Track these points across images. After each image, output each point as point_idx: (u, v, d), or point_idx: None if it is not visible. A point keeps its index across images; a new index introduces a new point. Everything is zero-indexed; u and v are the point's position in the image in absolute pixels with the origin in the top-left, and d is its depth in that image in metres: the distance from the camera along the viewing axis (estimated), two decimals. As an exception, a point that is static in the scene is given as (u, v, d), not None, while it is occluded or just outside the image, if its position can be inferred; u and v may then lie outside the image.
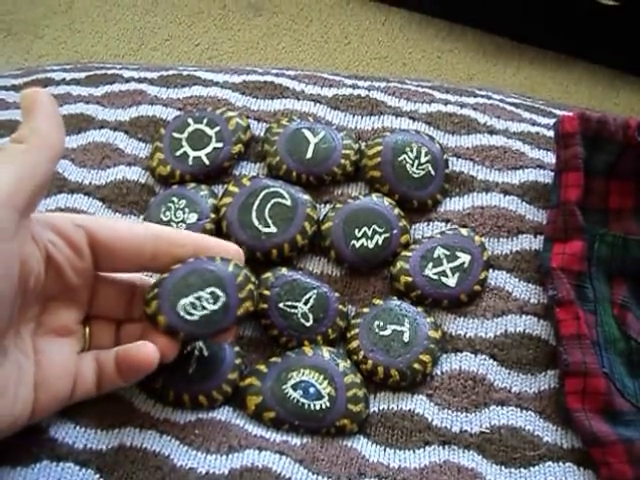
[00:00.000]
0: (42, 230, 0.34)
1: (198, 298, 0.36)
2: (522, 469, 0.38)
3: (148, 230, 0.37)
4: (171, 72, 0.51)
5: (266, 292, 0.42)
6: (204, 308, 0.36)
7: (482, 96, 0.51)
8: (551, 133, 0.47)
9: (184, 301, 0.36)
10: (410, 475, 0.37)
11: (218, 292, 0.36)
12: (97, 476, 0.35)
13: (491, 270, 0.43)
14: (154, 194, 0.45)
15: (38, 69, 0.54)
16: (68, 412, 0.37)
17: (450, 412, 0.40)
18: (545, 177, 0.46)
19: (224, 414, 0.39)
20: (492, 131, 0.48)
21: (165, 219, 0.43)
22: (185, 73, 0.51)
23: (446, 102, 0.49)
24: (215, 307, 0.36)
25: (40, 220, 0.35)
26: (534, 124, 0.49)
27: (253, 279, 0.37)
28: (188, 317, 0.36)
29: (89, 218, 0.37)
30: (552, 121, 0.48)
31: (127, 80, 0.51)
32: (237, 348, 0.41)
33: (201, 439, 0.37)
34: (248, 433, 0.38)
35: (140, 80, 0.51)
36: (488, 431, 0.39)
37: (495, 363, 0.41)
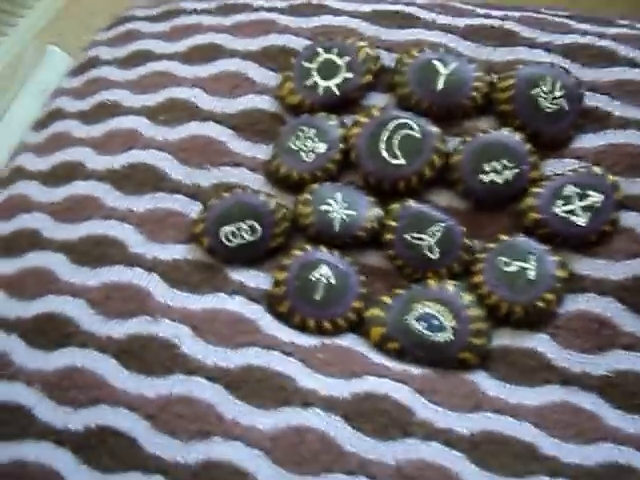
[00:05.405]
0: None
1: (238, 228, 0.41)
2: None
3: None
4: (300, 1, 0.51)
5: (392, 223, 0.42)
6: (242, 237, 0.41)
7: (623, 26, 0.48)
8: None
9: (226, 229, 0.41)
10: (528, 412, 0.37)
11: (256, 225, 0.41)
12: (226, 392, 0.37)
13: (623, 211, 0.42)
14: (283, 123, 0.46)
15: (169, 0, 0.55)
16: (199, 330, 0.39)
17: (572, 353, 0.39)
18: (690, 116, 0.43)
19: (347, 340, 0.40)
20: (633, 64, 0.45)
21: (294, 148, 0.44)
22: (314, 2, 0.51)
23: (584, 32, 0.47)
24: (252, 238, 0.41)
25: None
26: (679, 58, 0.46)
27: (289, 216, 0.42)
28: (227, 243, 0.41)
29: None
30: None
31: (256, 9, 0.51)
32: (362, 277, 0.41)
33: (324, 363, 0.38)
34: (370, 361, 0.39)
35: (269, 9, 0.51)
36: (612, 375, 0.38)
37: (622, 307, 0.39)
